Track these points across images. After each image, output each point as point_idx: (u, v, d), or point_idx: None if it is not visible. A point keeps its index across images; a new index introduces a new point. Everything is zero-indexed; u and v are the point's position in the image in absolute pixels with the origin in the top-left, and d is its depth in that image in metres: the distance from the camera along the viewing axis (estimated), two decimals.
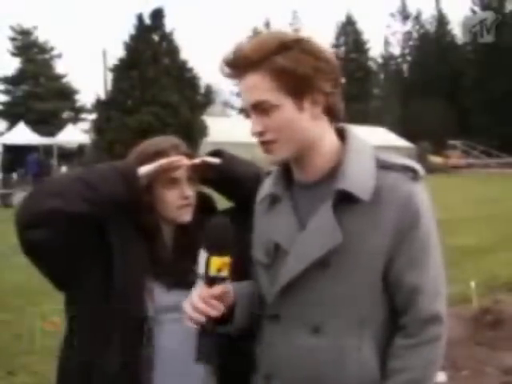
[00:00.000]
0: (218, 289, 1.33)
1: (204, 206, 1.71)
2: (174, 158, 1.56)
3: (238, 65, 1.33)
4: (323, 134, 1.37)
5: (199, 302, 1.32)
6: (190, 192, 1.60)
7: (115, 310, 1.48)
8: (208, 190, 1.76)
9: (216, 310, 1.33)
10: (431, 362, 1.34)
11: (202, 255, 1.33)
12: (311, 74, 1.30)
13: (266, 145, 1.36)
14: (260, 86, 1.31)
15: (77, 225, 1.44)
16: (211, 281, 1.33)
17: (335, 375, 1.33)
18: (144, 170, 1.53)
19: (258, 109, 1.33)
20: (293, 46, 1.30)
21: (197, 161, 1.62)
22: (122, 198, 1.48)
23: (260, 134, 1.34)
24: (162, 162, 1.54)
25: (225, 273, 1.33)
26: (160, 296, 1.55)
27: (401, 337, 1.34)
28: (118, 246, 1.51)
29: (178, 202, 1.59)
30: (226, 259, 1.32)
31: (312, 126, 1.34)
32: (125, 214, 1.55)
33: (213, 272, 1.32)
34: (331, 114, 1.37)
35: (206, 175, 1.65)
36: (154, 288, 1.55)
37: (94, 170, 1.52)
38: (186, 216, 1.61)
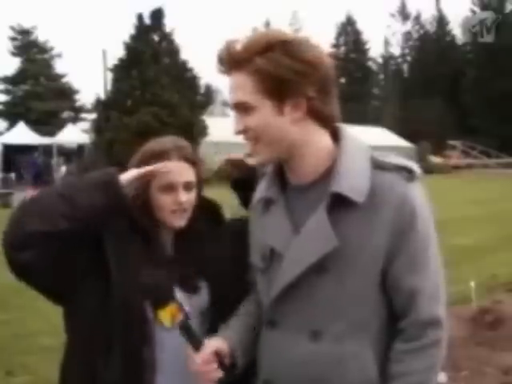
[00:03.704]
0: (208, 351, 1.38)
1: (211, 214, 1.70)
2: (159, 166, 1.53)
3: (226, 62, 1.33)
4: (309, 137, 1.34)
5: (202, 367, 1.38)
6: (184, 198, 1.58)
7: (115, 316, 1.48)
8: (216, 198, 1.75)
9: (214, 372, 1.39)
10: (432, 365, 1.32)
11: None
12: (292, 77, 1.27)
13: (249, 144, 1.36)
14: (242, 86, 1.31)
15: (64, 242, 1.41)
16: (179, 330, 1.38)
17: (335, 381, 1.32)
18: (126, 176, 1.50)
19: (239, 108, 1.33)
20: (276, 47, 1.28)
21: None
22: (104, 208, 1.44)
23: (242, 132, 1.35)
24: (143, 169, 1.52)
25: (179, 317, 1.36)
26: None
27: (401, 341, 1.32)
28: (115, 253, 1.50)
29: (171, 207, 1.57)
30: (172, 306, 1.36)
31: (293, 130, 1.32)
32: (121, 219, 1.54)
33: (169, 325, 1.37)
34: (318, 118, 1.34)
35: (234, 174, 1.64)
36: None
37: (74, 184, 1.49)
38: (180, 221, 1.59)
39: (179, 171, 1.58)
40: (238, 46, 1.30)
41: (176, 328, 1.38)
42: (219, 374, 1.38)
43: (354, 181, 1.30)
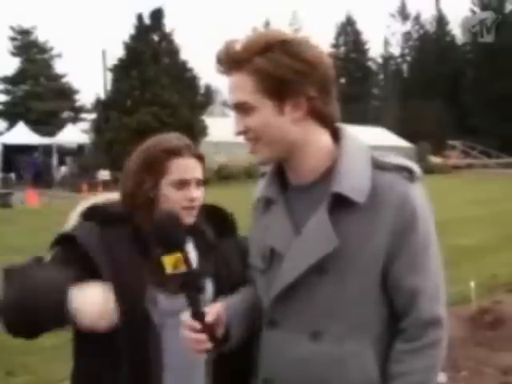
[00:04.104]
0: (209, 318, 1.34)
1: (223, 224, 1.69)
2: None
3: (225, 63, 1.33)
4: (309, 137, 1.34)
5: (195, 334, 1.33)
6: (195, 194, 1.58)
7: (120, 326, 1.47)
8: (216, 198, 1.74)
9: (207, 343, 1.33)
10: (433, 365, 1.32)
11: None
12: (292, 77, 1.27)
13: (249, 144, 1.36)
14: (242, 86, 1.31)
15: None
16: (170, 280, 1.32)
17: (336, 381, 1.32)
18: (87, 311, 1.43)
19: (239, 108, 1.33)
20: (275, 47, 1.28)
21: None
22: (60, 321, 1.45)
23: (242, 133, 1.35)
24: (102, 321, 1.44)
25: (182, 268, 1.30)
26: (164, 302, 1.54)
27: (401, 341, 1.32)
28: (110, 273, 1.47)
29: (183, 203, 1.57)
30: (178, 255, 1.30)
31: (293, 130, 1.32)
32: (123, 226, 1.55)
33: (169, 271, 1.30)
34: (319, 118, 1.34)
35: None
36: (158, 295, 1.53)
37: (32, 295, 1.43)
38: (189, 218, 1.59)
39: (192, 167, 1.59)
40: (238, 46, 1.30)
41: (179, 290, 1.33)
42: (209, 345, 1.34)
43: (354, 181, 1.30)
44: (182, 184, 1.57)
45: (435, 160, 35.24)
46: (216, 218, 1.71)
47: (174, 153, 1.56)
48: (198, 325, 1.32)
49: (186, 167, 1.58)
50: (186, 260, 1.31)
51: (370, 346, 1.32)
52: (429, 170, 24.84)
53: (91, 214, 1.59)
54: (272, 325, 1.40)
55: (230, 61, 1.31)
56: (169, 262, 1.30)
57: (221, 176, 25.38)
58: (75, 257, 1.48)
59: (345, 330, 1.32)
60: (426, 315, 1.31)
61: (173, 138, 1.62)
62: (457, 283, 5.22)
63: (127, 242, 1.54)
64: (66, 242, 1.52)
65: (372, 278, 1.31)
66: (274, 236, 1.39)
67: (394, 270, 1.31)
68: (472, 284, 5.28)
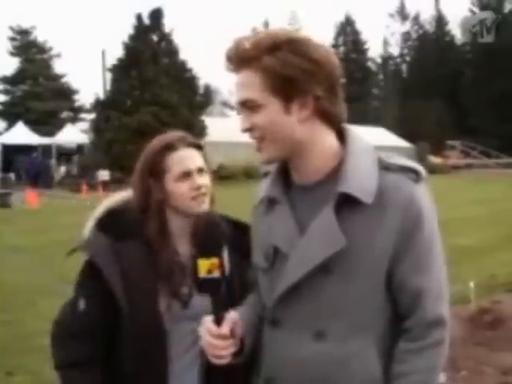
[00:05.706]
0: (226, 327, 1.35)
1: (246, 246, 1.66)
2: None
3: (234, 60, 1.33)
4: (315, 136, 1.34)
5: (214, 339, 1.34)
6: (201, 181, 1.61)
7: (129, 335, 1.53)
8: (230, 208, 1.74)
9: (229, 348, 1.36)
10: (435, 365, 1.32)
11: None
12: (299, 76, 1.28)
13: (255, 142, 1.36)
14: (249, 84, 1.31)
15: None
16: (202, 283, 1.35)
17: (339, 380, 1.32)
18: None
19: (245, 106, 1.33)
20: (283, 46, 1.28)
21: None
22: None
23: (248, 130, 1.35)
24: None
25: (216, 274, 1.33)
26: (179, 310, 1.58)
27: (405, 340, 1.32)
28: (122, 293, 1.52)
29: (191, 194, 1.59)
30: (214, 260, 1.33)
31: (300, 129, 1.32)
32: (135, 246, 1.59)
33: (202, 274, 1.33)
34: (325, 117, 1.34)
35: None
36: (172, 304, 1.57)
37: None
38: (200, 207, 1.60)
39: (190, 157, 1.61)
40: (247, 44, 1.30)
41: (206, 290, 1.36)
42: (228, 352, 1.36)
43: (362, 181, 1.30)
44: (185, 176, 1.59)
45: (435, 160, 35.26)
46: (240, 239, 1.69)
47: (168, 148, 1.59)
48: (217, 330, 1.34)
49: (183, 158, 1.60)
50: (222, 267, 1.34)
51: (373, 345, 1.32)
52: (428, 170, 24.73)
53: (107, 224, 1.62)
54: (275, 324, 1.40)
55: (239, 59, 1.31)
56: (204, 266, 1.33)
57: (220, 176, 25.39)
58: (94, 277, 1.55)
59: (348, 329, 1.32)
60: (430, 315, 1.31)
61: (168, 135, 1.65)
62: (456, 283, 5.22)
63: (138, 254, 1.57)
64: (87, 266, 1.60)
65: (377, 277, 1.31)
66: (278, 235, 1.38)
67: (399, 270, 1.31)
68: (471, 284, 5.28)
